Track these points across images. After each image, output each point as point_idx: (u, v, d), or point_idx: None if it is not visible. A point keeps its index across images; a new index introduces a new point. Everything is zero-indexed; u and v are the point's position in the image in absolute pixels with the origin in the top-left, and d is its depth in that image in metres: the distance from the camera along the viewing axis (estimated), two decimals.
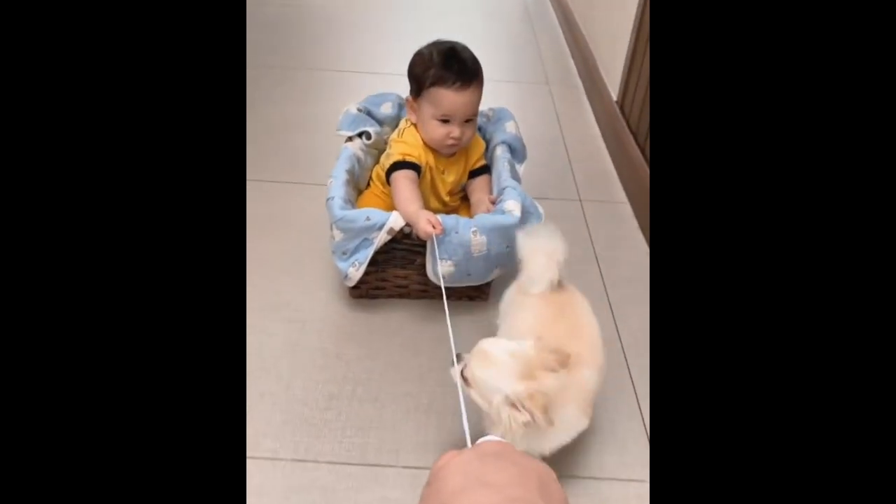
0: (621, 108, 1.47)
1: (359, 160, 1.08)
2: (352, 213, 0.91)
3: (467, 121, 1.00)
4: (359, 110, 1.14)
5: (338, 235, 0.94)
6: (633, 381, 0.95)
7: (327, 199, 0.95)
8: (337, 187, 0.96)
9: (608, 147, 1.51)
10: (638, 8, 1.39)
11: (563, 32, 2.25)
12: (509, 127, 1.15)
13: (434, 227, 0.88)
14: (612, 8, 1.63)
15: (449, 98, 0.97)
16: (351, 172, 1.03)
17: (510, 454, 0.41)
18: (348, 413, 0.87)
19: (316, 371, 0.92)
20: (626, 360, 0.98)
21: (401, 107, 1.21)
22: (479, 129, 1.16)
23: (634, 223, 1.23)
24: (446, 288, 0.99)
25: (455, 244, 0.92)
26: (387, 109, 1.18)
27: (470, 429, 0.54)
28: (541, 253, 0.83)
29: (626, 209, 1.29)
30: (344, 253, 0.96)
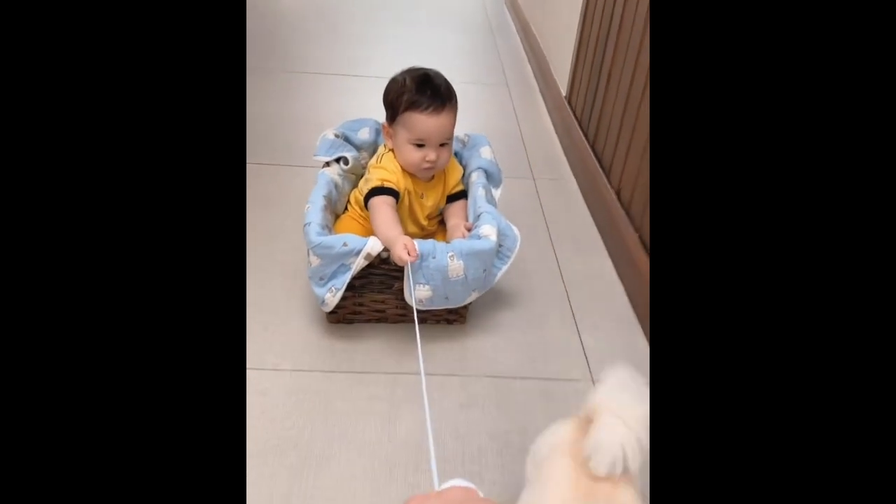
0: (569, 101, 1.72)
1: (336, 186, 1.09)
2: (329, 239, 0.92)
3: (442, 145, 1.02)
4: (336, 136, 1.15)
5: (314, 261, 0.94)
6: (573, 313, 1.10)
7: (304, 225, 0.95)
8: (314, 213, 0.97)
9: (558, 134, 1.77)
10: (580, 14, 1.64)
11: (521, 39, 2.53)
12: (484, 152, 1.17)
13: (409, 253, 0.89)
14: (559, 15, 1.92)
15: (423, 122, 0.98)
16: (328, 198, 1.04)
17: (475, 501, 0.41)
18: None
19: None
20: (567, 294, 1.16)
21: (378, 132, 1.22)
22: (456, 154, 1.17)
23: (579, 195, 1.50)
24: (424, 311, 1.01)
25: (432, 269, 0.93)
26: (364, 135, 1.20)
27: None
28: (618, 415, 0.59)
29: (573, 184, 1.55)
30: (321, 278, 0.96)
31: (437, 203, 1.11)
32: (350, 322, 1.06)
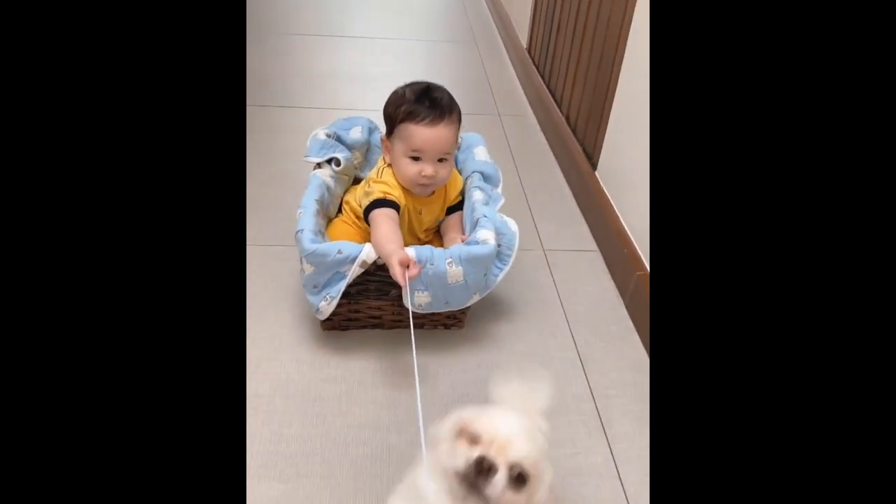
0: (529, 51, 2.00)
1: (328, 188, 1.05)
2: (323, 247, 0.88)
3: (442, 160, 0.97)
4: (327, 136, 1.11)
5: (308, 269, 0.91)
6: (532, 214, 1.32)
7: (296, 232, 0.91)
8: (306, 219, 0.93)
9: (519, 80, 2.05)
10: None
11: (486, 2, 2.82)
12: (479, 153, 1.14)
13: (409, 267, 0.85)
14: None
15: (419, 133, 0.94)
16: (321, 202, 1.00)
17: None
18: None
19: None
20: (527, 200, 1.39)
21: (371, 131, 1.19)
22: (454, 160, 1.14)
23: (536, 126, 1.78)
24: (422, 316, 0.98)
25: (431, 276, 0.90)
26: (356, 134, 1.16)
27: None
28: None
29: (532, 118, 1.82)
30: (315, 286, 0.93)
31: (437, 217, 1.08)
32: (345, 329, 1.03)
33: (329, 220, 1.08)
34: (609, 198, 1.24)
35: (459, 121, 0.99)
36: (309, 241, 0.89)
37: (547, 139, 1.69)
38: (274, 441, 0.84)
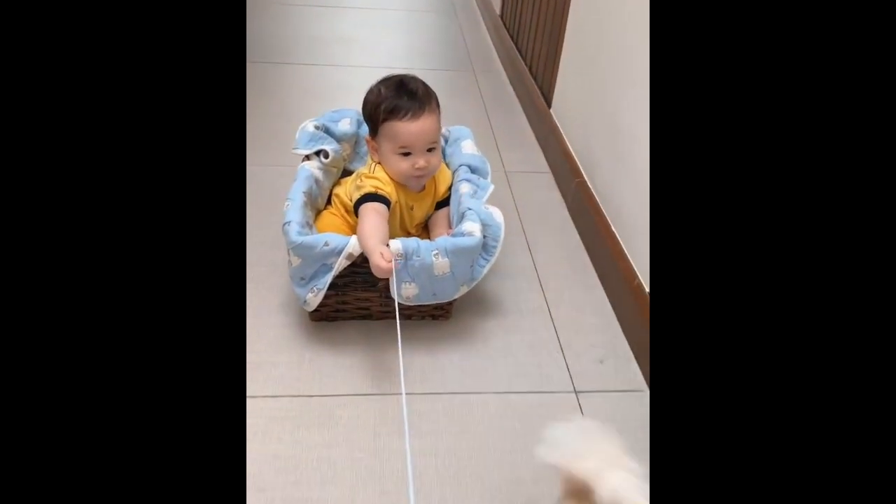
0: (502, 17, 2.24)
1: (317, 181, 1.06)
2: (309, 239, 0.89)
3: (430, 150, 0.98)
4: (316, 128, 1.12)
5: (295, 261, 0.92)
6: (503, 164, 1.54)
7: (284, 224, 0.92)
8: (294, 211, 0.94)
9: (493, 42, 2.33)
10: None
11: None
12: (466, 146, 1.14)
13: (386, 258, 0.85)
14: None
15: (404, 129, 0.95)
16: (308, 194, 1.01)
17: None
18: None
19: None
20: (497, 148, 1.61)
21: (359, 123, 1.19)
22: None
23: (505, 78, 2.05)
24: (410, 307, 0.99)
25: (417, 267, 0.91)
26: (345, 126, 1.16)
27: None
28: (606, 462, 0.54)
29: (503, 75, 2.09)
30: (302, 278, 0.94)
31: (427, 212, 1.09)
32: (333, 320, 1.04)
33: (318, 212, 1.09)
34: (560, 129, 1.51)
35: (439, 106, 1.00)
36: (296, 234, 0.89)
37: (514, 89, 1.96)
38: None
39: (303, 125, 1.14)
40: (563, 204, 1.40)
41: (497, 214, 1.00)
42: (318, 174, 1.07)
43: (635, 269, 1.05)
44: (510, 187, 1.44)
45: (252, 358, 0.96)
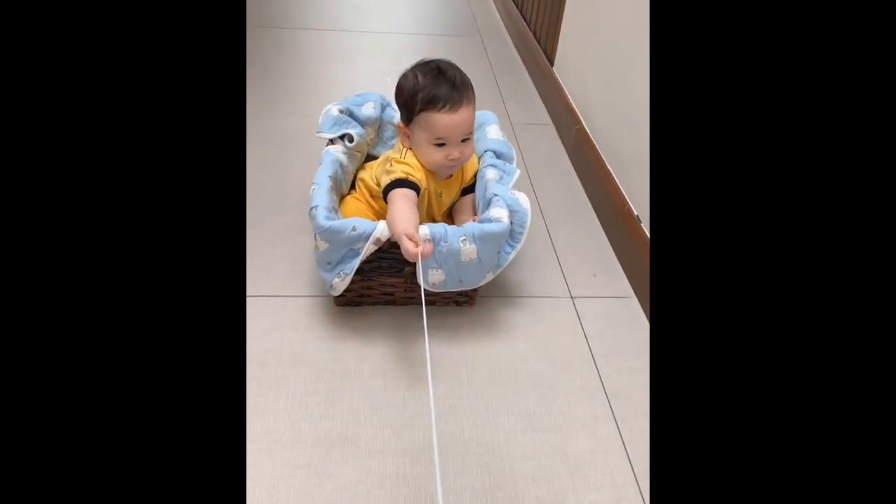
0: None
1: (341, 165, 1.05)
2: (337, 224, 0.89)
3: (464, 140, 0.97)
4: (340, 111, 1.11)
5: (322, 245, 0.91)
6: (508, 117, 1.66)
7: (311, 209, 0.91)
8: (320, 195, 0.93)
9: (498, 11, 2.47)
10: None
11: None
12: (492, 132, 1.13)
13: (418, 245, 0.83)
14: None
15: (441, 121, 0.94)
16: (334, 178, 1.00)
17: None
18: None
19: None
20: (503, 103, 1.74)
21: (383, 107, 1.18)
22: None
23: (511, 44, 2.20)
24: (435, 293, 0.98)
25: (444, 253, 0.90)
26: (368, 110, 1.15)
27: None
28: None
29: (508, 40, 2.23)
30: (329, 263, 0.93)
31: (454, 198, 1.08)
32: (358, 304, 1.04)
33: (342, 197, 1.08)
34: (562, 84, 1.64)
35: (475, 96, 0.99)
36: (323, 218, 0.89)
37: (518, 52, 2.11)
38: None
39: (326, 108, 1.13)
40: (564, 150, 1.56)
41: (524, 200, 0.98)
42: (343, 158, 1.06)
43: (626, 197, 1.21)
44: (516, 139, 1.58)
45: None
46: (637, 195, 1.17)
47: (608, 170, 1.29)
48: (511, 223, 0.96)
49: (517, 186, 1.02)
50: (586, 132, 1.43)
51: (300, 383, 0.90)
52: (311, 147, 1.11)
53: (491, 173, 1.04)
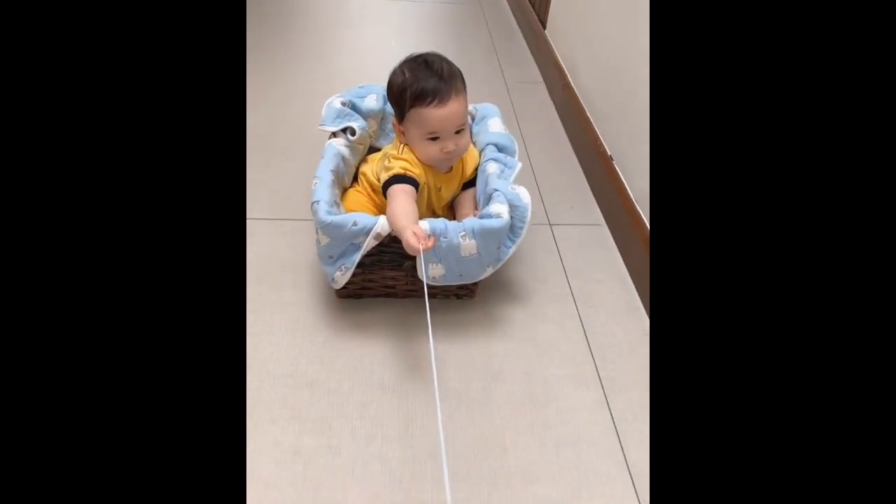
0: None
1: (343, 158, 1.05)
2: (338, 219, 0.89)
3: (458, 131, 0.97)
4: (343, 104, 1.11)
5: (323, 240, 0.92)
6: (503, 77, 1.86)
7: (312, 203, 0.92)
8: (322, 190, 0.94)
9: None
10: None
11: None
12: (493, 125, 1.13)
13: (421, 240, 0.84)
14: None
15: (432, 116, 0.94)
16: (336, 172, 1.01)
17: None
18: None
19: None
20: (499, 62, 1.90)
21: (385, 99, 1.18)
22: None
23: (508, 9, 2.39)
24: (436, 286, 0.99)
25: (444, 249, 0.91)
26: (371, 102, 1.15)
27: None
28: None
29: (505, 6, 2.41)
30: (330, 257, 0.94)
31: (454, 193, 1.08)
32: (359, 297, 1.05)
33: (344, 190, 1.09)
34: (552, 45, 1.82)
35: (465, 85, 0.99)
36: (325, 213, 0.90)
37: (514, 16, 2.30)
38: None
39: (329, 101, 1.13)
40: (552, 104, 1.75)
41: (524, 195, 0.99)
42: (345, 152, 1.07)
43: (602, 140, 1.38)
44: (510, 96, 1.76)
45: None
46: (611, 137, 1.34)
47: (588, 117, 1.48)
48: (511, 218, 0.97)
49: (519, 179, 1.03)
50: (571, 87, 1.61)
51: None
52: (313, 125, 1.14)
53: (492, 167, 1.04)
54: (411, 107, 0.95)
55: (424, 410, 0.88)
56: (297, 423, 0.85)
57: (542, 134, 1.61)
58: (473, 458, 0.83)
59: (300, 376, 0.92)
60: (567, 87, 1.64)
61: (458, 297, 1.07)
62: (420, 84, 0.94)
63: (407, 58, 1.00)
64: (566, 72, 1.68)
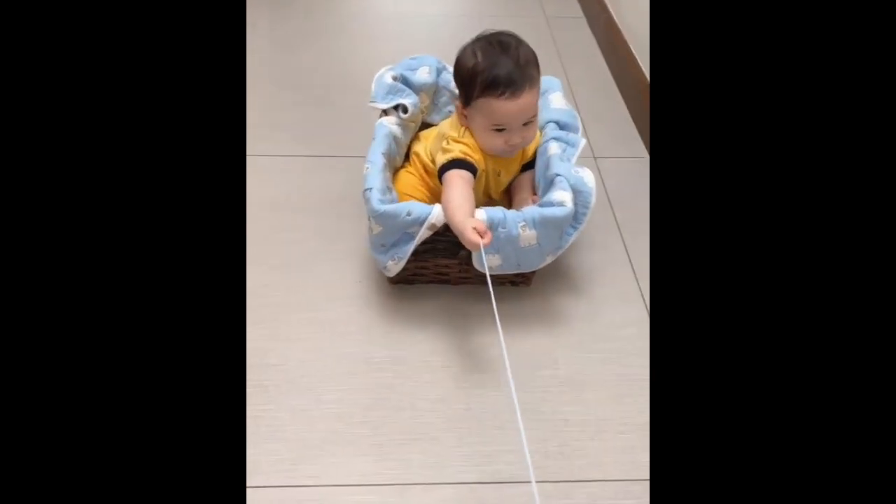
0: None
1: (395, 138, 1.00)
2: (391, 208, 0.85)
3: (526, 123, 0.90)
4: (394, 78, 1.05)
5: (376, 228, 0.88)
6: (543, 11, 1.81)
7: (364, 190, 0.88)
8: (374, 176, 0.89)
9: None
10: None
11: None
12: (555, 100, 1.05)
13: (482, 235, 0.80)
14: None
15: (501, 108, 0.86)
16: (388, 155, 0.96)
17: None
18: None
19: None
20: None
21: (439, 72, 1.11)
22: None
23: None
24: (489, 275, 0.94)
25: (502, 239, 0.86)
26: (423, 76, 1.09)
27: None
28: None
29: None
30: (382, 245, 0.91)
31: (513, 176, 1.02)
32: (411, 283, 1.02)
33: (395, 170, 1.04)
34: None
35: (539, 71, 0.91)
36: (377, 202, 0.85)
37: None
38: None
39: (379, 74, 1.07)
40: (594, 38, 1.72)
41: (588, 178, 0.92)
42: (397, 131, 1.01)
43: (644, 72, 1.38)
44: (551, 32, 1.73)
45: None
46: None
47: (630, 50, 1.47)
48: (574, 204, 0.90)
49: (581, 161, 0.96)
50: (613, 20, 1.60)
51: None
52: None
53: (553, 147, 0.97)
54: (480, 95, 0.88)
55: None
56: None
57: (585, 68, 1.59)
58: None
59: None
60: (608, 20, 1.62)
61: (513, 283, 1.02)
62: (493, 71, 0.86)
63: (479, 36, 0.92)
64: (608, 5, 1.65)
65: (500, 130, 0.89)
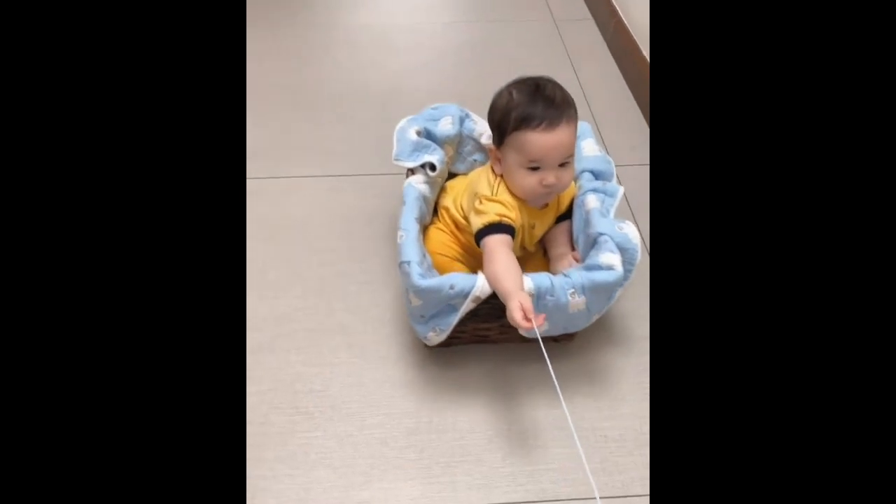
0: None
1: (425, 199, 0.96)
2: (434, 283, 0.80)
3: (562, 164, 0.86)
4: (417, 133, 1.01)
5: (415, 301, 0.84)
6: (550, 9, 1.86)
7: (401, 263, 0.84)
8: (410, 247, 0.85)
9: None
10: None
11: None
12: (587, 147, 1.01)
13: (530, 320, 0.74)
14: None
15: (536, 141, 0.83)
16: (421, 219, 0.92)
17: None
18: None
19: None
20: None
21: (461, 120, 1.07)
22: None
23: None
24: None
25: (550, 307, 0.82)
26: (446, 127, 1.04)
27: None
28: None
29: None
30: (422, 316, 0.86)
31: (547, 228, 0.97)
32: (449, 346, 0.98)
33: (424, 227, 1.00)
34: None
35: (577, 115, 0.87)
36: (418, 277, 0.81)
37: None
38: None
39: (400, 126, 1.03)
40: (603, 41, 1.73)
41: (632, 234, 0.88)
42: (425, 189, 0.97)
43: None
44: (560, 34, 1.76)
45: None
46: None
47: (642, 54, 1.47)
48: (625, 263, 0.86)
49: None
50: (623, 22, 1.61)
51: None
52: None
53: (592, 201, 0.93)
54: (514, 129, 0.84)
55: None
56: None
57: (596, 72, 1.60)
58: None
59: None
60: (619, 23, 1.63)
61: (555, 339, 0.98)
62: (528, 107, 0.83)
63: (515, 80, 0.89)
64: (616, 7, 1.66)
65: (534, 169, 0.85)
